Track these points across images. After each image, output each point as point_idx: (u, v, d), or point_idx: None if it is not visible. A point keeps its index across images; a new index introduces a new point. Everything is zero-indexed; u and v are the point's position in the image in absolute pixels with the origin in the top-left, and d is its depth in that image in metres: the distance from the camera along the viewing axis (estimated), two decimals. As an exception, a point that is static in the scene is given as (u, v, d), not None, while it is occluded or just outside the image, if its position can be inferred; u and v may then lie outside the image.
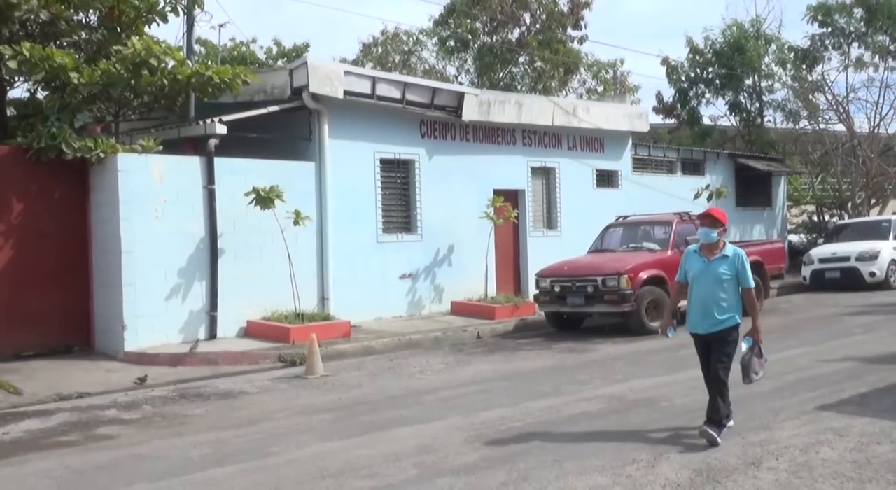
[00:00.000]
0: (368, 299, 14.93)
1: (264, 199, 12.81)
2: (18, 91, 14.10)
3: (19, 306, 11.92)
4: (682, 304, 7.35)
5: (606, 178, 20.23)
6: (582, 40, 30.16)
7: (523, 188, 18.11)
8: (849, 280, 19.76)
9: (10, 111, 13.60)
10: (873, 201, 28.22)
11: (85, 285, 12.66)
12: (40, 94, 13.44)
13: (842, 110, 27.61)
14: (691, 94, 29.45)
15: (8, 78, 12.99)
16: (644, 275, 13.86)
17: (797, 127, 29.05)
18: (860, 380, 8.87)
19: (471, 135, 17.13)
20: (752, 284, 6.90)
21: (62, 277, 12.41)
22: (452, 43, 31.13)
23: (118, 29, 13.51)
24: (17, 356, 11.84)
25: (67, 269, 12.47)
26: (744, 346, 6.87)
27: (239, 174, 13.14)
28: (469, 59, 31.53)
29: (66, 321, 12.47)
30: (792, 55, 27.67)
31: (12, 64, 11.76)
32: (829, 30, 26.48)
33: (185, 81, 12.84)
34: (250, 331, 13.23)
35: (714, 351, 6.84)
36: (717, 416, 6.68)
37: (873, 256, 19.79)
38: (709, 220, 6.92)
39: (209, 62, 15.49)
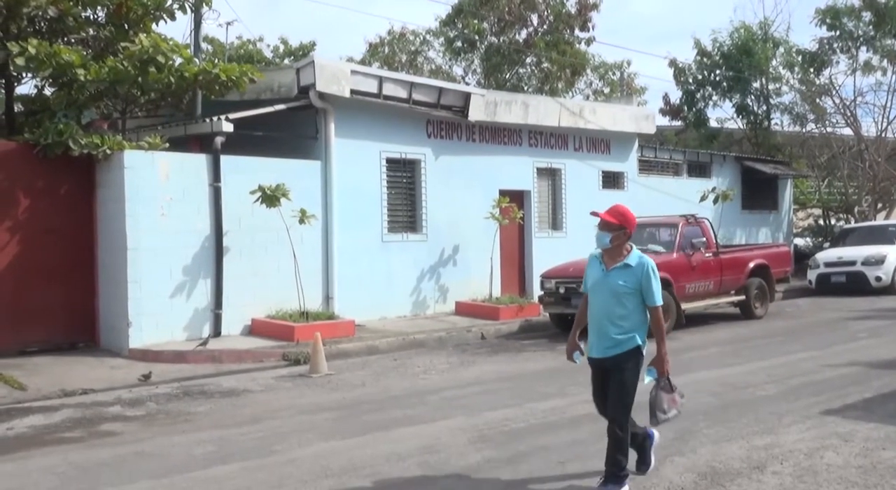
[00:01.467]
0: (373, 299, 14.94)
1: (270, 197, 12.81)
2: (26, 87, 14.16)
3: (25, 302, 11.94)
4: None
5: (612, 180, 20.20)
6: (589, 41, 30.09)
7: (529, 189, 18.09)
8: (855, 284, 19.71)
9: (17, 107, 13.65)
10: (880, 206, 28.13)
11: (90, 282, 12.68)
12: (48, 91, 13.46)
13: (849, 114, 27.53)
14: (698, 96, 29.40)
15: (15, 74, 13.03)
16: (649, 277, 13.79)
17: (804, 130, 28.97)
18: (865, 385, 8.85)
19: (477, 135, 17.12)
20: (660, 301, 5.66)
21: (68, 274, 12.43)
22: (459, 43, 31.10)
23: (126, 26, 13.53)
24: (21, 352, 11.87)
25: (73, 265, 12.49)
26: (647, 379, 5.77)
27: (245, 172, 13.15)
28: (476, 59, 31.48)
29: (71, 317, 12.49)
30: (800, 58, 27.59)
31: (20, 60, 11.79)
32: (838, 33, 26.39)
33: (192, 79, 12.86)
34: (255, 329, 13.23)
35: (610, 381, 5.66)
36: (615, 468, 5.49)
37: (879, 261, 19.73)
38: (601, 221, 5.76)
39: (216, 60, 15.50)
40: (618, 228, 5.66)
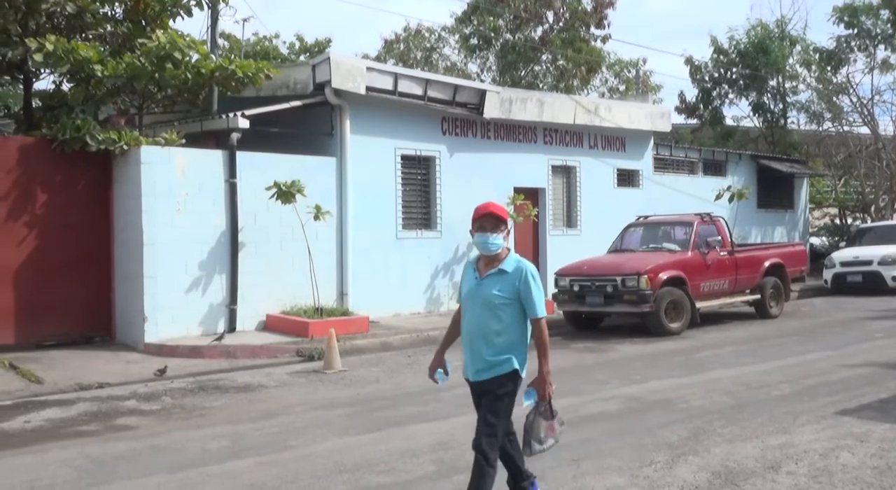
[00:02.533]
0: (387, 295, 14.96)
1: (285, 193, 12.85)
2: (44, 83, 14.26)
3: (42, 296, 12.03)
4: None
5: (627, 178, 20.15)
6: (605, 39, 30.05)
7: (544, 186, 18.07)
8: (871, 284, 19.59)
9: (35, 103, 13.74)
10: (897, 205, 27.98)
11: (107, 276, 12.76)
12: (65, 87, 13.55)
13: (866, 113, 27.38)
14: (714, 94, 29.27)
15: (34, 70, 13.12)
16: (664, 275, 13.80)
17: (821, 129, 28.83)
18: (881, 385, 8.80)
19: (492, 132, 17.11)
20: (542, 313, 4.82)
21: (84, 268, 12.51)
22: (475, 40, 31.09)
23: (143, 22, 13.60)
24: (38, 345, 11.96)
25: (89, 260, 12.56)
26: (525, 402, 4.94)
27: (260, 168, 13.19)
28: (491, 56, 31.48)
29: (87, 312, 12.57)
30: (817, 56, 27.43)
31: (38, 57, 11.87)
32: (855, 31, 26.23)
33: (208, 75, 12.91)
34: (269, 325, 13.28)
35: (483, 406, 4.88)
36: None
37: (896, 260, 19.63)
38: (489, 219, 4.86)
39: (232, 56, 15.53)
40: (504, 227, 4.90)
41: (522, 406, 4.95)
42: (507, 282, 4.80)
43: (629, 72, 32.98)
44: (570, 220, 18.78)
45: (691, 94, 30.50)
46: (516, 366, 4.85)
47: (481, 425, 4.82)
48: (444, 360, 5.25)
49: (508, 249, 4.97)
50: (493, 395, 4.84)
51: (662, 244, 15.30)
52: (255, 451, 6.80)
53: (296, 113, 14.10)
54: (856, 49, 26.65)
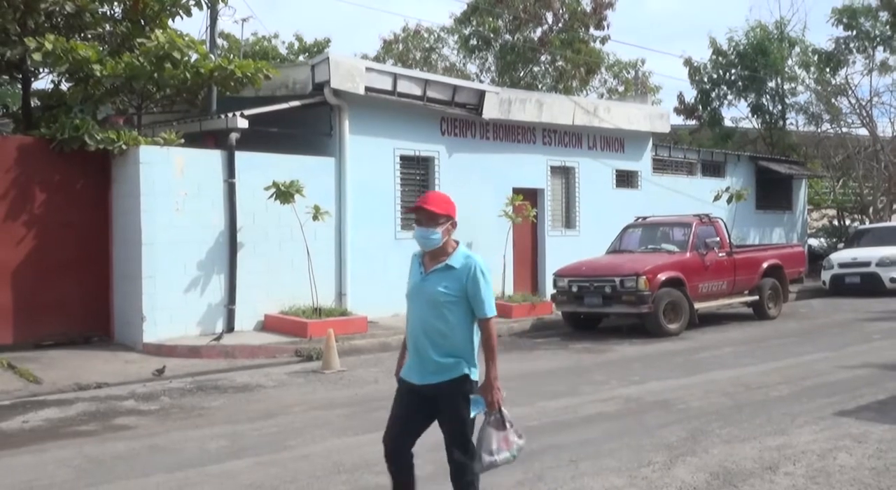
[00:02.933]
0: (386, 295, 14.92)
1: (284, 193, 12.85)
2: (43, 82, 14.26)
3: (40, 296, 12.02)
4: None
5: (626, 179, 20.17)
6: (604, 40, 30.06)
7: (542, 187, 18.08)
8: (869, 285, 19.62)
9: (34, 102, 13.72)
10: (895, 206, 27.99)
11: (105, 276, 12.75)
12: (64, 86, 13.54)
13: (865, 114, 27.40)
14: (713, 95, 29.29)
15: (33, 70, 13.11)
16: (662, 276, 13.81)
17: (819, 130, 28.87)
18: (879, 386, 8.81)
19: (491, 133, 17.12)
20: (491, 312, 4.46)
21: (83, 268, 12.50)
22: (474, 41, 31.10)
23: (142, 22, 13.60)
24: (36, 345, 11.95)
25: (88, 259, 12.56)
26: (472, 412, 4.54)
27: (259, 168, 13.19)
28: (490, 57, 31.49)
29: (86, 311, 12.56)
30: (816, 58, 27.46)
31: (37, 56, 11.86)
32: (854, 33, 26.25)
33: (207, 75, 12.91)
34: (268, 325, 13.28)
35: (442, 418, 4.54)
36: None
37: (894, 262, 19.63)
38: (422, 213, 4.54)
39: (231, 56, 15.54)
40: (445, 219, 4.52)
41: (471, 417, 4.53)
42: (454, 278, 4.46)
43: (628, 73, 33.00)
44: (568, 221, 18.79)
45: (690, 95, 30.56)
46: (466, 370, 4.48)
47: (452, 440, 4.50)
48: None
49: (457, 243, 4.61)
50: (449, 403, 4.48)
51: (661, 245, 15.31)
52: (253, 451, 6.80)
53: (295, 113, 14.10)
54: (854, 51, 26.69)
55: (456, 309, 4.45)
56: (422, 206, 4.53)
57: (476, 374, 4.55)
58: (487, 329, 4.48)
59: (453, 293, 4.44)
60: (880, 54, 26.77)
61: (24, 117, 13.42)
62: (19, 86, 13.87)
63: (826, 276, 20.53)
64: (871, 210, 27.71)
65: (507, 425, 4.55)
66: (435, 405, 4.52)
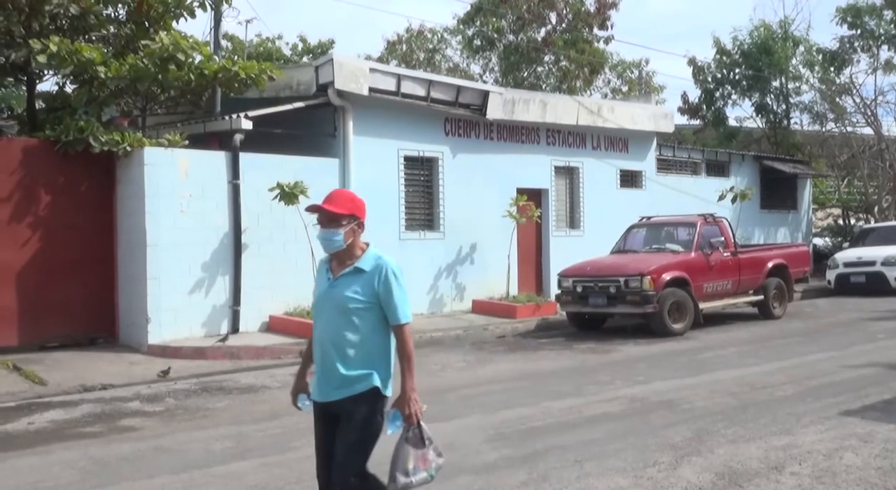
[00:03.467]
0: (390, 296, 14.93)
1: (288, 194, 12.86)
2: (47, 84, 14.28)
3: (45, 297, 12.04)
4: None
5: (630, 179, 20.15)
6: (608, 40, 30.05)
7: (547, 187, 18.07)
8: (874, 285, 19.57)
9: (38, 104, 13.75)
10: (900, 206, 27.95)
11: (110, 278, 12.77)
12: (69, 88, 13.56)
13: (869, 113, 27.34)
14: (717, 94, 29.24)
15: (37, 72, 13.13)
16: (667, 276, 13.80)
17: (824, 129, 28.81)
18: (884, 385, 8.78)
19: (495, 133, 17.11)
20: (406, 318, 4.12)
21: (88, 269, 12.52)
22: (478, 41, 31.11)
23: (146, 24, 13.60)
24: (42, 347, 11.97)
25: (93, 261, 12.58)
26: (389, 429, 4.14)
27: (263, 170, 13.20)
28: (494, 57, 31.50)
29: (90, 313, 12.58)
30: (820, 57, 27.42)
31: (41, 58, 11.88)
32: (859, 32, 26.20)
33: (211, 76, 12.93)
34: (272, 326, 13.29)
35: (338, 435, 4.10)
36: None
37: (899, 261, 19.60)
38: (322, 213, 4.20)
39: (235, 58, 15.54)
40: (349, 220, 4.17)
41: (388, 434, 4.16)
42: (364, 282, 4.10)
43: (632, 73, 32.98)
44: (573, 221, 18.77)
45: (694, 94, 30.52)
46: (376, 383, 4.08)
47: (338, 458, 4.05)
48: (307, 382, 4.36)
49: (367, 244, 4.27)
50: (349, 418, 4.04)
51: (665, 245, 15.29)
52: (258, 452, 6.80)
53: (299, 114, 14.11)
54: (859, 50, 26.63)
55: (367, 316, 4.08)
56: (320, 206, 4.18)
57: (390, 389, 4.17)
58: (402, 336, 4.12)
59: (363, 298, 4.07)
60: (885, 53, 26.73)
61: (28, 119, 13.44)
62: (24, 88, 13.90)
63: (831, 275, 20.49)
64: (875, 209, 27.64)
65: (426, 442, 4.15)
66: (335, 422, 4.10)
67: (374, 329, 4.10)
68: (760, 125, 29.34)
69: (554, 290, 15.75)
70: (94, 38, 13.52)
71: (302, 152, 14.05)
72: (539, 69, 30.82)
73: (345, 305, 4.07)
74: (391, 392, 4.18)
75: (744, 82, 28.43)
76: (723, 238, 15.17)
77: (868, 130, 28.03)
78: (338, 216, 4.15)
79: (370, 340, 4.09)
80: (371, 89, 14.46)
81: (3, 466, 6.63)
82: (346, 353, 4.06)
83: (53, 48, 11.80)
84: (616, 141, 19.70)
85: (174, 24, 13.86)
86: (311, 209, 4.25)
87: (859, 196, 29.22)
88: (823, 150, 28.99)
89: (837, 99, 27.96)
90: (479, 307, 16.02)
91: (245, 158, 13.11)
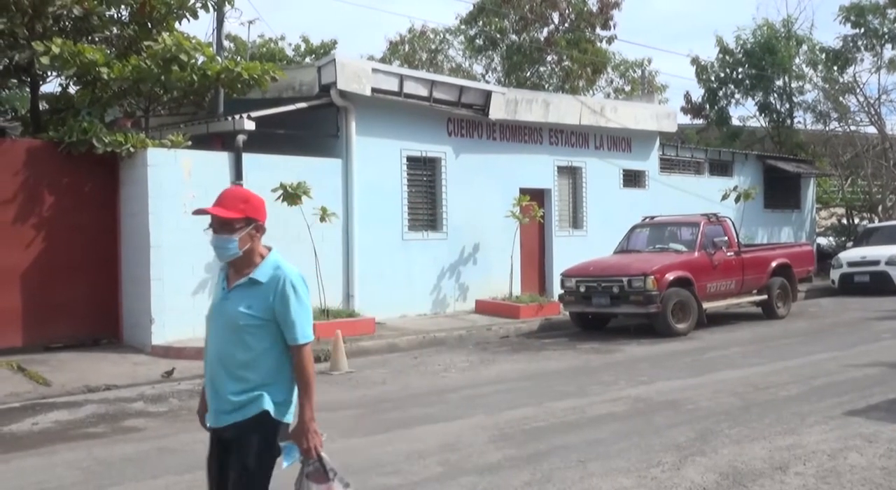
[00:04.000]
0: (393, 296, 14.96)
1: (291, 195, 12.86)
2: (51, 86, 14.29)
3: (49, 298, 12.05)
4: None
5: (633, 179, 20.13)
6: (610, 40, 30.04)
7: (549, 187, 18.06)
8: (878, 284, 19.52)
9: (42, 105, 13.77)
10: (904, 205, 27.90)
11: (114, 279, 12.78)
12: (72, 89, 13.59)
13: (873, 112, 27.31)
14: (720, 94, 29.25)
15: (41, 73, 13.15)
16: (670, 276, 13.78)
17: (827, 129, 28.78)
18: (889, 385, 8.76)
19: (497, 133, 17.11)
20: (305, 338, 3.67)
21: (91, 270, 12.53)
22: (480, 41, 31.11)
23: (149, 25, 13.63)
24: (46, 348, 11.99)
25: (97, 262, 12.59)
26: (284, 463, 3.74)
27: (266, 170, 13.20)
28: (496, 57, 31.50)
29: (94, 314, 12.59)
30: (823, 56, 27.39)
31: (45, 59, 11.89)
32: (862, 30, 26.18)
33: (214, 77, 12.94)
34: (276, 326, 13.26)
35: (229, 465, 3.70)
36: None
37: (903, 260, 19.56)
38: (213, 218, 3.75)
39: (238, 58, 15.59)
40: (244, 224, 3.70)
41: (283, 467, 3.74)
42: (259, 296, 3.63)
43: (634, 72, 32.95)
44: (576, 221, 18.77)
45: (697, 94, 30.54)
46: (267, 406, 3.61)
47: None
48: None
49: (269, 250, 3.80)
50: (237, 449, 3.62)
51: (669, 245, 15.28)
52: (262, 453, 6.79)
53: (301, 115, 14.11)
54: (862, 48, 26.60)
55: (261, 334, 3.62)
56: (208, 209, 3.71)
57: (289, 414, 3.70)
58: (300, 358, 3.64)
59: (257, 314, 3.61)
60: (888, 52, 26.73)
61: (32, 121, 13.47)
62: (27, 89, 13.92)
63: (835, 274, 20.45)
64: (879, 208, 27.60)
65: (330, 475, 3.71)
66: (226, 450, 3.70)
67: (269, 348, 3.65)
68: (764, 124, 29.32)
69: (557, 291, 15.73)
70: (97, 39, 13.54)
71: (305, 153, 14.05)
72: (542, 69, 30.81)
73: (235, 322, 3.61)
74: (292, 418, 3.71)
75: (747, 81, 28.42)
76: (726, 238, 15.15)
77: (872, 129, 28.02)
78: (231, 221, 3.67)
79: (264, 361, 3.63)
80: (374, 90, 14.47)
81: (7, 467, 6.64)
82: (235, 375, 3.62)
83: (56, 50, 11.81)
84: (619, 141, 19.69)
85: (177, 24, 13.88)
86: (199, 213, 3.78)
87: (863, 195, 29.18)
88: (827, 150, 28.96)
89: (841, 98, 27.93)
90: (483, 307, 16.02)
91: (248, 159, 13.11)
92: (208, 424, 3.80)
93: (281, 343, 3.67)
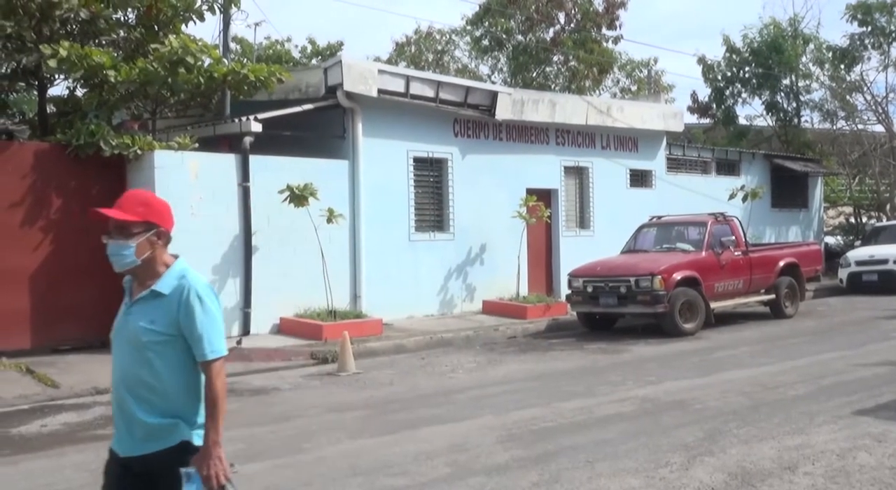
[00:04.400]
0: (400, 297, 14.96)
1: (298, 196, 12.88)
2: (58, 89, 14.32)
3: (57, 300, 12.08)
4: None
5: (640, 178, 20.10)
6: (617, 40, 30.00)
7: (556, 187, 18.04)
8: (887, 283, 19.45)
9: (49, 108, 13.81)
10: (912, 203, 27.80)
11: (121, 280, 12.77)
12: (79, 92, 13.62)
13: (881, 111, 27.23)
14: (727, 93, 29.17)
15: (48, 76, 13.18)
16: (678, 275, 13.75)
17: (834, 127, 28.69)
18: (898, 384, 8.74)
19: (504, 134, 17.10)
20: (215, 353, 3.28)
21: (99, 273, 12.42)
22: (486, 42, 31.10)
23: (156, 27, 13.66)
24: (54, 350, 12.01)
25: (104, 264, 12.19)
26: None
27: (273, 172, 13.22)
28: (503, 58, 31.48)
29: (102, 316, 12.48)
30: (830, 55, 27.32)
31: (52, 62, 11.92)
32: (869, 29, 26.09)
33: (220, 79, 12.95)
34: (283, 328, 13.31)
35: None
36: None
37: (912, 259, 19.49)
38: (110, 221, 3.37)
39: (245, 60, 15.62)
40: (142, 229, 3.34)
41: None
42: (163, 309, 3.28)
43: (641, 72, 32.90)
44: (582, 221, 18.74)
45: (704, 93, 30.45)
46: (185, 434, 3.29)
47: None
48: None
49: (175, 258, 3.44)
50: (167, 483, 3.24)
51: (676, 244, 15.25)
52: (270, 454, 6.81)
53: (308, 116, 14.13)
54: (869, 47, 26.52)
55: (167, 351, 3.27)
56: (102, 211, 3.34)
57: (199, 438, 3.35)
58: (209, 375, 3.27)
59: (161, 329, 3.26)
60: (896, 50, 26.62)
61: (39, 124, 13.51)
62: (35, 92, 13.96)
63: (843, 274, 20.39)
64: (888, 207, 27.51)
65: None
66: (151, 487, 3.30)
67: (177, 367, 3.29)
68: (771, 123, 29.25)
69: (564, 291, 15.72)
70: (104, 42, 13.57)
71: (311, 154, 14.07)
72: (548, 69, 30.77)
73: (138, 339, 3.26)
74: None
75: (754, 81, 28.36)
76: (733, 237, 15.12)
77: (879, 128, 27.94)
78: (127, 224, 3.30)
79: (171, 382, 3.28)
80: (380, 91, 14.48)
81: (16, 469, 6.66)
82: (143, 398, 3.27)
83: (64, 53, 11.84)
84: (626, 140, 19.66)
85: (183, 27, 13.90)
86: (94, 215, 3.38)
87: (871, 194, 29.09)
88: (834, 148, 28.87)
89: (848, 96, 27.84)
90: (490, 308, 16.01)
91: (255, 161, 13.14)
92: (117, 452, 3.37)
93: (190, 361, 3.30)
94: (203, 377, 3.29)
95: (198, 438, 3.30)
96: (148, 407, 3.26)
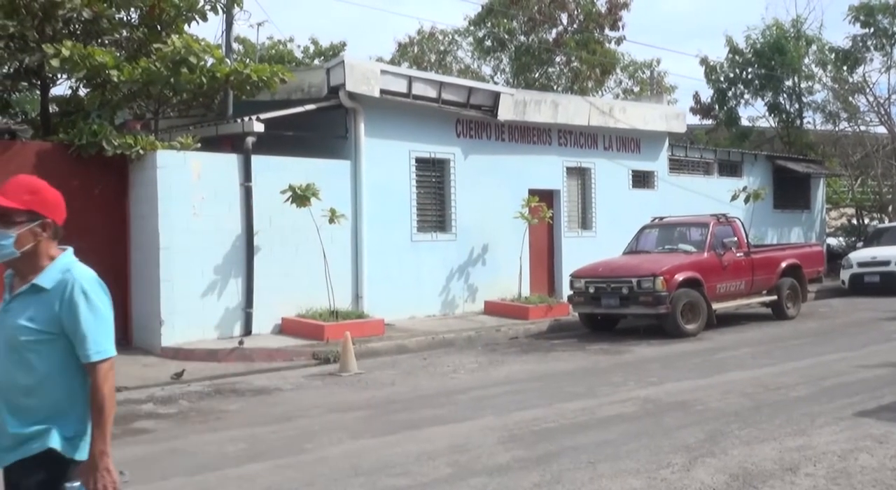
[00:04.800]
0: (402, 298, 14.96)
1: (300, 197, 12.88)
2: (61, 88, 14.33)
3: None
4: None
5: (642, 179, 20.10)
6: (619, 41, 30.00)
7: (558, 188, 18.04)
8: (889, 284, 19.43)
9: (52, 108, 13.82)
10: (915, 205, 27.79)
11: (123, 281, 12.80)
12: (82, 92, 13.64)
13: (883, 112, 27.20)
14: (730, 94, 29.16)
15: (51, 76, 13.20)
16: (680, 276, 13.75)
17: (837, 129, 28.68)
18: (900, 386, 8.73)
19: (506, 134, 17.10)
20: (99, 354, 3.04)
21: (101, 272, 12.31)
22: (489, 42, 31.11)
23: (158, 27, 13.67)
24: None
25: (106, 264, 12.54)
26: None
27: (275, 172, 13.23)
28: (505, 58, 31.49)
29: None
30: (833, 56, 27.30)
31: (55, 62, 11.93)
32: (872, 30, 26.08)
33: (223, 79, 12.97)
34: (285, 328, 13.31)
35: None
36: None
37: (914, 261, 19.47)
38: None
39: (247, 60, 15.63)
40: (25, 218, 3.08)
41: None
42: (44, 305, 3.02)
43: (643, 73, 32.91)
44: (585, 222, 18.74)
45: (706, 94, 30.43)
46: (53, 443, 2.98)
47: None
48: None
49: (63, 250, 3.22)
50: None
51: (678, 245, 15.25)
52: (271, 455, 6.81)
53: (310, 116, 14.14)
54: (872, 48, 26.50)
55: (47, 352, 3.00)
56: None
57: (85, 450, 3.04)
58: (94, 378, 3.02)
59: (41, 327, 2.99)
60: (898, 52, 26.60)
61: (42, 123, 13.52)
62: (38, 92, 13.98)
63: (845, 275, 20.38)
64: (890, 208, 27.50)
65: None
66: None
67: (58, 369, 3.02)
68: (773, 125, 29.24)
69: (566, 291, 15.71)
70: (106, 42, 13.58)
71: (313, 154, 14.07)
72: (550, 70, 30.78)
73: (16, 338, 2.99)
74: (84, 453, 3.06)
75: (756, 82, 28.33)
76: (736, 238, 15.12)
77: (882, 129, 27.92)
78: (8, 212, 3.02)
79: (51, 386, 3.01)
80: (382, 91, 14.48)
81: None
82: (19, 404, 2.99)
83: (66, 52, 11.86)
84: (628, 141, 19.66)
85: (186, 27, 13.92)
86: None
87: (873, 195, 29.07)
88: (837, 150, 28.87)
89: (850, 98, 27.83)
90: (492, 308, 16.01)
91: (257, 161, 13.15)
92: None
93: (74, 363, 3.03)
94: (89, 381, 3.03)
95: (70, 448, 3.02)
96: (21, 414, 2.99)
